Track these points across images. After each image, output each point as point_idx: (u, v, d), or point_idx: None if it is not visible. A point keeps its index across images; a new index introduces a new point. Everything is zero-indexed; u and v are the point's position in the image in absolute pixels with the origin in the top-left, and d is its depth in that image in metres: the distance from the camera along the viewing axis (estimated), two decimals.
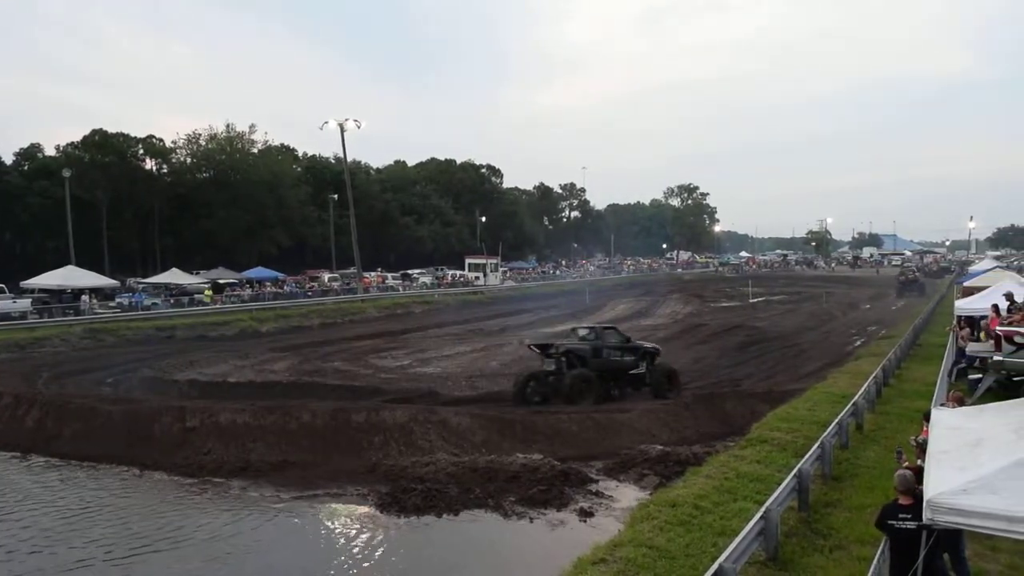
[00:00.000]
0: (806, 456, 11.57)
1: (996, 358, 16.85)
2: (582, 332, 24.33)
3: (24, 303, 40.82)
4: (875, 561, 7.37)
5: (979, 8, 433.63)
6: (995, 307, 20.03)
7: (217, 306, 47.42)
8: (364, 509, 15.01)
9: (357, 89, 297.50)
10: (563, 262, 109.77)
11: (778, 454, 13.96)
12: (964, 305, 25.09)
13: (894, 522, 6.91)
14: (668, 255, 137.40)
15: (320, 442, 18.41)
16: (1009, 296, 19.39)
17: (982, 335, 19.76)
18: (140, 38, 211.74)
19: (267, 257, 73.51)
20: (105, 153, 69.64)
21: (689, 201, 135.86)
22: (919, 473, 7.24)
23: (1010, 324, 17.43)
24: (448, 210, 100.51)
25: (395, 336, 41.14)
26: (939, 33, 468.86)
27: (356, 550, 13.16)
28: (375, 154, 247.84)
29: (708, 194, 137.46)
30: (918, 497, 6.59)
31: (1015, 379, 16.93)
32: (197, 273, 58.96)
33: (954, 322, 24.90)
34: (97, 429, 19.97)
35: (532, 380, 22.74)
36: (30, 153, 72.38)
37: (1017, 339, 16.56)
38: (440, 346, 37.11)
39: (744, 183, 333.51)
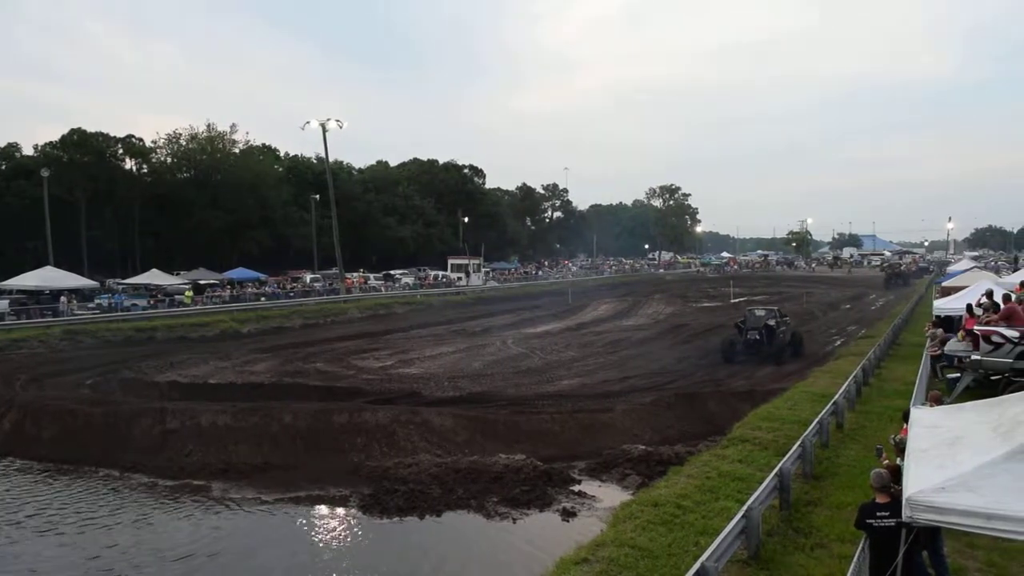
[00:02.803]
0: (787, 455, 11.64)
1: (974, 357, 17.01)
2: (759, 312, 31.60)
3: (2, 304, 40.36)
4: (855, 559, 7.43)
5: (958, 13, 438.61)
6: (969, 307, 20.26)
7: (198, 307, 47.07)
8: (346, 510, 14.98)
9: (340, 89, 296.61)
10: (545, 263, 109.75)
11: (759, 453, 14.03)
12: (942, 305, 25.35)
13: (872, 521, 6.97)
14: (650, 256, 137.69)
15: (302, 443, 18.36)
16: (989, 293, 19.55)
17: (960, 335, 19.92)
18: (119, 36, 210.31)
19: (248, 258, 72.87)
20: (84, 153, 68.85)
21: (671, 202, 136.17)
22: (896, 472, 7.31)
23: (988, 324, 17.58)
24: (430, 210, 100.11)
25: (377, 337, 40.97)
26: (919, 37, 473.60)
27: (339, 552, 13.13)
28: (357, 154, 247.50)
29: (690, 195, 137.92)
30: (895, 495, 6.65)
31: (993, 378, 17.12)
32: (177, 274, 58.43)
33: (931, 321, 25.13)
34: (77, 432, 19.81)
35: (730, 345, 30.56)
36: (7, 152, 71.44)
37: (995, 339, 16.72)
38: (422, 347, 37.00)
39: (726, 184, 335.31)
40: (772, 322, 30.54)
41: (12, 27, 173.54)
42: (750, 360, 29.62)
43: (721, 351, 30.67)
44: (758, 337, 29.91)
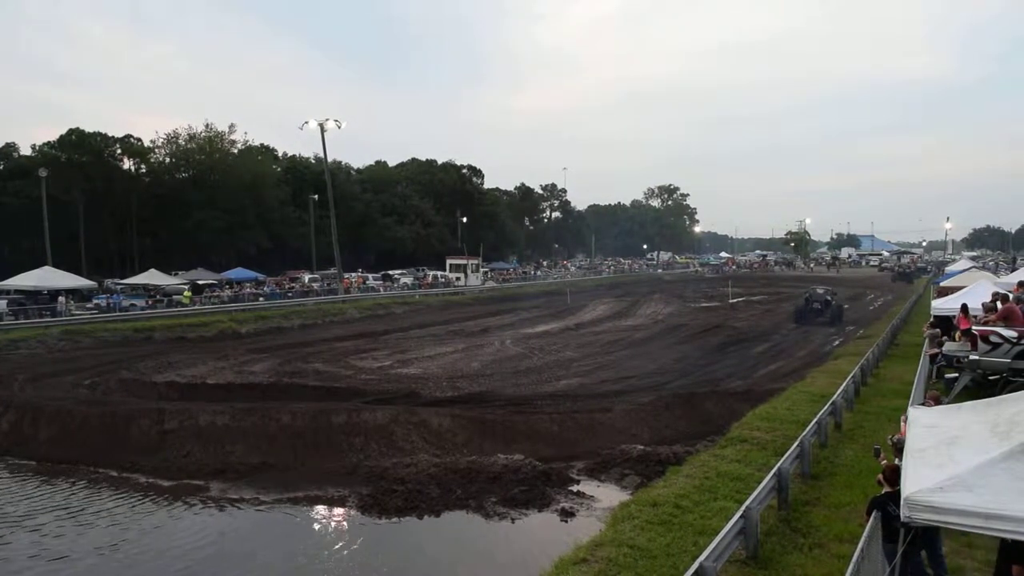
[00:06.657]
0: (786, 455, 11.62)
1: (972, 357, 17.01)
2: (819, 291, 45.93)
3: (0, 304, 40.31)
4: (854, 559, 7.42)
5: (957, 13, 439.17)
6: (964, 307, 20.29)
7: (196, 307, 47.04)
8: (345, 511, 14.96)
9: (340, 89, 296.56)
10: (544, 263, 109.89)
11: (758, 453, 14.03)
12: (940, 305, 25.35)
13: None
14: (648, 256, 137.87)
15: (300, 443, 18.33)
16: (995, 296, 19.53)
17: (958, 335, 19.92)
18: (118, 36, 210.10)
19: (247, 258, 72.88)
20: (82, 153, 68.85)
21: (670, 202, 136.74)
22: (896, 471, 7.31)
23: (985, 323, 17.59)
24: (429, 210, 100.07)
25: (376, 337, 40.92)
26: (918, 37, 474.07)
27: (337, 552, 13.11)
28: (356, 154, 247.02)
29: (688, 195, 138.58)
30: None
31: (991, 378, 17.12)
32: (176, 274, 58.42)
33: (929, 321, 25.15)
34: (75, 432, 19.77)
35: (801, 312, 43.20)
36: (5, 152, 71.42)
37: (993, 338, 16.73)
38: (421, 347, 36.96)
39: (725, 184, 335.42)
40: (829, 297, 43.90)
41: (11, 27, 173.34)
42: (815, 322, 41.49)
43: (794, 317, 43.47)
44: (819, 307, 42.77)
